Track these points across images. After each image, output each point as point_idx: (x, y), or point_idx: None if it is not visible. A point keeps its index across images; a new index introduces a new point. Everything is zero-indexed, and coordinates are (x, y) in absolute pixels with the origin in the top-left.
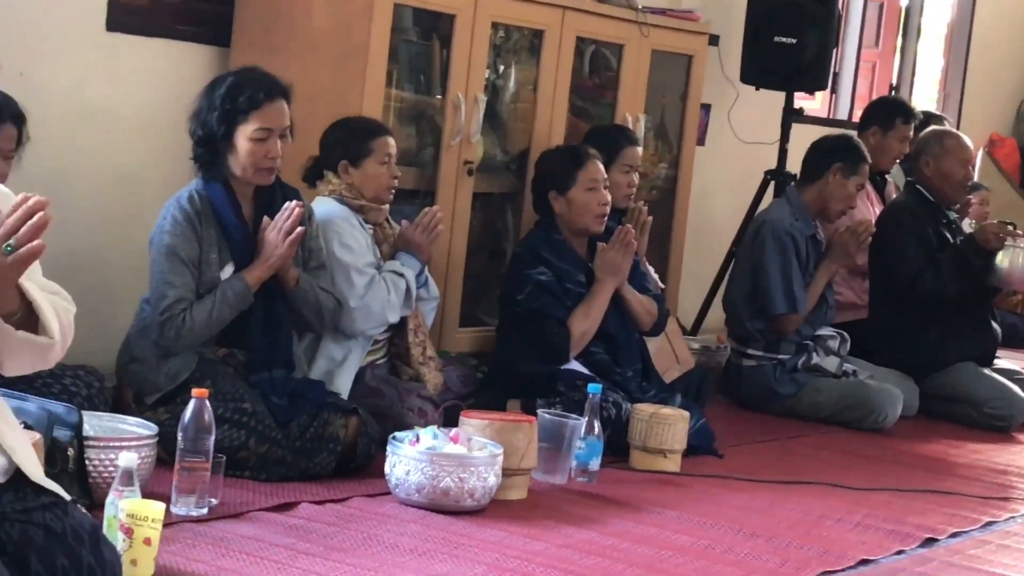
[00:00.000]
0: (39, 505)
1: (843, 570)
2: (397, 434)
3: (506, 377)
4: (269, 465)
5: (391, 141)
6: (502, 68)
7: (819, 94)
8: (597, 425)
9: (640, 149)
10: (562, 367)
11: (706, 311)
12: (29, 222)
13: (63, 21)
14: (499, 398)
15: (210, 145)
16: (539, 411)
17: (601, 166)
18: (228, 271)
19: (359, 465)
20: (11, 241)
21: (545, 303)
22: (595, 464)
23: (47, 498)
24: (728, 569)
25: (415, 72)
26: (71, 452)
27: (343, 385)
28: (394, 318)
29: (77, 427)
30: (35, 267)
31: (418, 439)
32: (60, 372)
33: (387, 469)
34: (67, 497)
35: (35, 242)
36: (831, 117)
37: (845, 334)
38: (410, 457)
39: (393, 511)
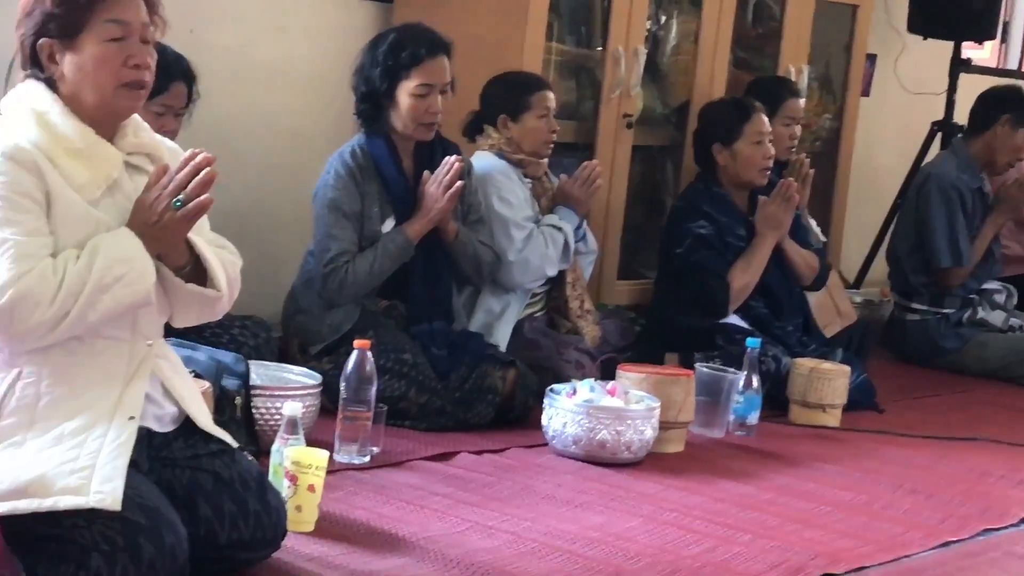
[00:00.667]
0: (208, 452)
1: (1004, 528)
2: (555, 386)
3: (664, 330)
4: (429, 415)
5: (550, 95)
6: (663, 19)
7: (988, 44)
8: (756, 379)
9: (803, 101)
10: (721, 321)
11: (869, 265)
12: (197, 178)
13: None
14: (657, 351)
15: (372, 100)
16: (697, 365)
17: (766, 119)
18: (389, 225)
19: (517, 416)
20: (180, 196)
21: (704, 257)
22: (753, 418)
23: (215, 445)
24: (887, 525)
25: (575, 25)
26: (239, 401)
27: (501, 337)
28: (552, 272)
29: (245, 376)
30: (203, 221)
31: (575, 391)
32: (228, 323)
33: (544, 421)
34: (234, 445)
35: (203, 197)
36: (1000, 67)
37: (1012, 288)
38: (567, 409)
39: (550, 462)
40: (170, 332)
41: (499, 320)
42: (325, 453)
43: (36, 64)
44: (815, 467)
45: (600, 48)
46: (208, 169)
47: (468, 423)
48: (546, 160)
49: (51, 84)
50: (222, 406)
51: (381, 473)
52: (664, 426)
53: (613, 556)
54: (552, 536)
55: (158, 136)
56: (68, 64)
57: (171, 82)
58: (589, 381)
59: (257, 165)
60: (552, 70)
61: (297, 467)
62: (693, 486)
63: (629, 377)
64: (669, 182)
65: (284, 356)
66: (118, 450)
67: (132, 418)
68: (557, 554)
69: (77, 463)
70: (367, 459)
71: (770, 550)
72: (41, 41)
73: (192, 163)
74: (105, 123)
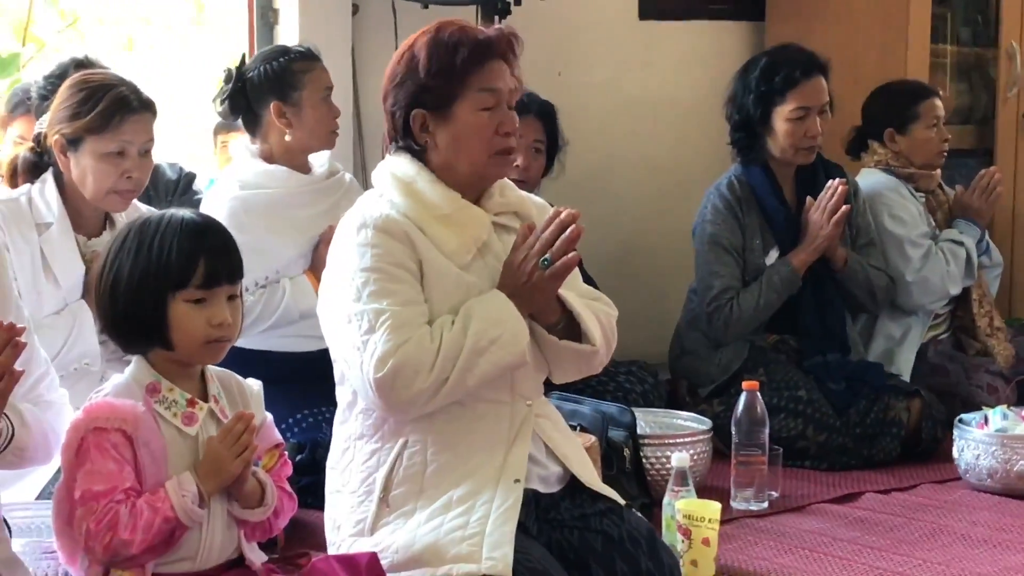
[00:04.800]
0: (596, 511)
1: None
2: (963, 416)
3: None
4: (829, 453)
5: (939, 103)
6: None
7: None
8: None
9: None
10: None
11: None
12: (563, 235)
13: (596, 17)
14: None
15: (747, 129)
16: None
17: None
18: (773, 256)
19: (925, 449)
20: (547, 255)
21: None
22: None
23: (603, 504)
24: None
25: (965, 22)
26: (627, 452)
27: (904, 365)
28: (955, 290)
29: (631, 427)
30: (575, 275)
31: (987, 420)
32: (614, 370)
33: (955, 453)
34: (622, 502)
35: (570, 254)
36: None
37: None
38: (979, 440)
39: (964, 498)
40: (553, 386)
41: (900, 346)
42: (717, 505)
43: (407, 134)
44: None
45: (992, 44)
46: (573, 226)
47: (872, 460)
48: (939, 172)
49: (416, 152)
50: (610, 459)
51: (781, 519)
52: None
53: None
54: None
55: (523, 192)
56: (442, 135)
57: (522, 115)
58: (1001, 408)
59: (632, 200)
60: (946, 72)
61: (689, 520)
62: None
63: None
64: None
65: (673, 400)
66: (505, 515)
67: (517, 481)
68: None
69: (467, 530)
70: (765, 505)
71: None
72: (414, 112)
73: (557, 220)
74: (474, 189)
